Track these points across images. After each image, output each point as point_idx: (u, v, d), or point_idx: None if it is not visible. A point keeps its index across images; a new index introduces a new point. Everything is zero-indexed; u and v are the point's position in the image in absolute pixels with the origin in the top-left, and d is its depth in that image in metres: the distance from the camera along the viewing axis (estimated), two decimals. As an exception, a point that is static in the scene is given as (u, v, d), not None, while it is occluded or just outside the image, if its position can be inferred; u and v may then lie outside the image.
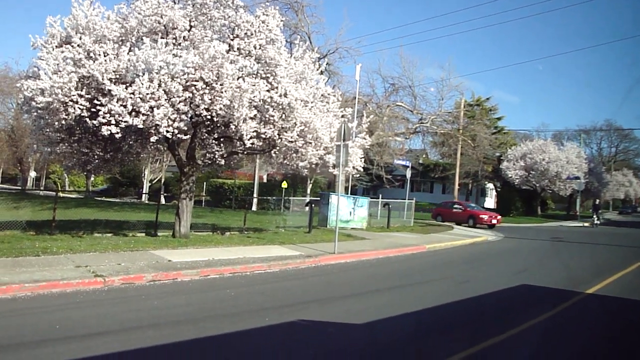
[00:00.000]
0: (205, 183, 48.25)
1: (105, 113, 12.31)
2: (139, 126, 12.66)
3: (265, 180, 54.73)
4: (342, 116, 17.01)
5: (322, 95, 16.40)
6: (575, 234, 31.17)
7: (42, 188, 62.47)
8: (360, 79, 29.99)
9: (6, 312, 7.69)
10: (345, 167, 16.20)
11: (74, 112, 12.56)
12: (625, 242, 27.45)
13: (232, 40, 14.51)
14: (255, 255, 13.74)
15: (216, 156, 15.73)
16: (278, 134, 14.89)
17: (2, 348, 6.05)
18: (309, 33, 33.14)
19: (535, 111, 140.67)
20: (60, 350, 6.09)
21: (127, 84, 12.57)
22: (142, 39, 13.19)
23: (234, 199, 44.10)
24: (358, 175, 25.60)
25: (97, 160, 15.39)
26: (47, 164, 60.78)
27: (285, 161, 16.59)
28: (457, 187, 45.86)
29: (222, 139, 15.97)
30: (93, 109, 12.56)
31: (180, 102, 12.84)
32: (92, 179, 63.74)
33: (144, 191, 54.97)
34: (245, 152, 17.03)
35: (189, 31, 13.96)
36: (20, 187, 59.70)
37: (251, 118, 13.82)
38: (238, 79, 13.27)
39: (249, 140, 14.04)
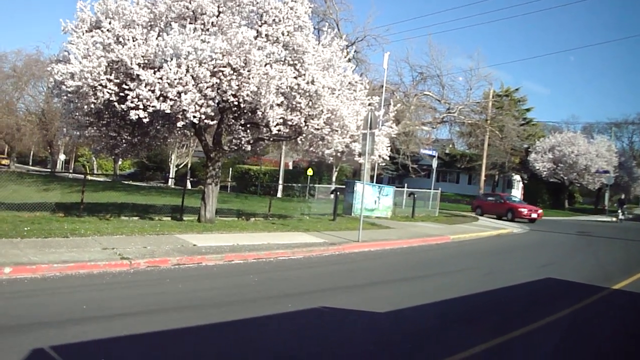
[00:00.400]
0: (231, 169, 48.56)
1: (134, 98, 12.42)
2: (166, 111, 12.75)
3: (290, 167, 54.91)
4: (369, 104, 16.92)
5: (349, 83, 16.33)
6: (601, 229, 30.65)
7: (71, 171, 63.50)
8: (387, 67, 29.82)
9: (36, 291, 7.86)
10: (371, 155, 16.15)
11: (102, 97, 12.69)
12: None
13: (260, 26, 14.49)
14: (279, 242, 13.80)
15: (242, 142, 15.78)
16: (304, 121, 14.88)
17: (33, 326, 6.19)
18: (337, 20, 33.06)
19: (565, 103, 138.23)
20: (87, 330, 6.20)
21: (155, 69, 12.66)
22: (170, 25, 13.24)
23: (259, 185, 44.34)
24: (384, 164, 25.56)
25: (124, 145, 15.56)
26: (76, 147, 61.68)
27: (311, 148, 16.58)
28: (483, 178, 45.44)
29: (248, 125, 16.01)
30: (121, 94, 12.68)
31: (207, 87, 12.88)
32: (120, 162, 64.60)
33: (170, 176, 55.53)
34: (271, 139, 17.05)
35: (217, 17, 13.97)
36: (49, 170, 60.74)
37: (278, 105, 13.82)
38: (265, 65, 13.26)
39: (275, 126, 14.04)
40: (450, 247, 18.06)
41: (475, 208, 36.62)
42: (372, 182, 30.98)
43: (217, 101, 13.67)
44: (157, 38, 12.85)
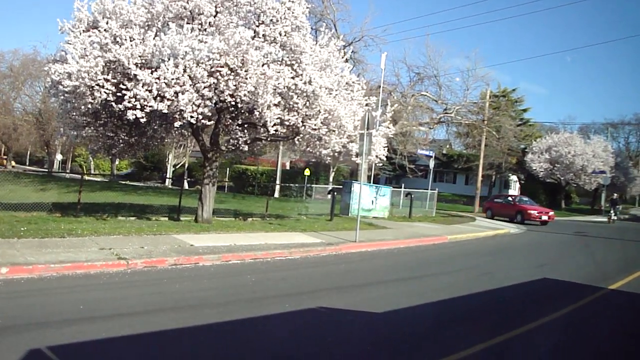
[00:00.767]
0: (228, 169, 48.56)
1: (131, 97, 12.41)
2: (163, 111, 12.75)
3: (288, 168, 54.91)
4: (366, 105, 16.94)
5: (346, 83, 16.34)
6: (597, 229, 30.65)
7: (68, 171, 63.54)
8: (385, 67, 29.90)
9: (32, 291, 7.85)
10: (368, 155, 16.17)
11: (100, 96, 12.68)
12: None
13: (257, 26, 14.50)
14: (276, 242, 13.80)
15: (240, 142, 15.78)
16: (302, 121, 14.89)
17: (29, 326, 6.18)
18: (334, 21, 33.06)
19: (562, 103, 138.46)
20: (84, 330, 6.20)
21: (153, 69, 12.65)
22: (168, 24, 13.24)
23: (256, 185, 44.33)
24: (381, 164, 25.59)
25: (122, 144, 15.55)
26: (73, 147, 61.76)
27: (308, 149, 16.59)
28: (480, 178, 45.44)
29: (246, 125, 16.01)
30: (119, 94, 12.67)
31: (204, 87, 12.89)
32: (117, 162, 64.62)
33: (167, 176, 55.50)
34: (268, 139, 17.06)
35: (214, 17, 13.97)
36: (46, 170, 60.65)
37: (275, 105, 13.83)
38: (263, 65, 13.27)
39: (272, 127, 14.05)
40: (447, 247, 18.08)
41: (486, 210, 35.58)
42: (370, 182, 31.00)
43: (214, 101, 13.67)
44: (154, 38, 12.84)
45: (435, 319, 8.22)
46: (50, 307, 7.18)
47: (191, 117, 12.96)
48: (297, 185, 41.09)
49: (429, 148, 43.07)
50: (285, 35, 14.54)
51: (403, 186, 31.76)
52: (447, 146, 64.01)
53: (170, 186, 47.66)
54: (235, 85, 13.09)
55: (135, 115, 12.51)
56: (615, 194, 42.56)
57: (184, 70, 12.51)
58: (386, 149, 18.79)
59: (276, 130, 14.50)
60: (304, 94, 14.27)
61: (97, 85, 12.55)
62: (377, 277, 11.58)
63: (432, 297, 9.49)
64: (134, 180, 56.17)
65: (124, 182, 48.45)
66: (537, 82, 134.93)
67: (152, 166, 62.92)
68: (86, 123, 14.42)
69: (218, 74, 12.94)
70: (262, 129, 15.40)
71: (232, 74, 13.06)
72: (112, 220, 14.81)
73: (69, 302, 7.48)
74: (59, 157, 66.30)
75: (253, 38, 13.56)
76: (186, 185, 42.58)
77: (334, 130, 15.70)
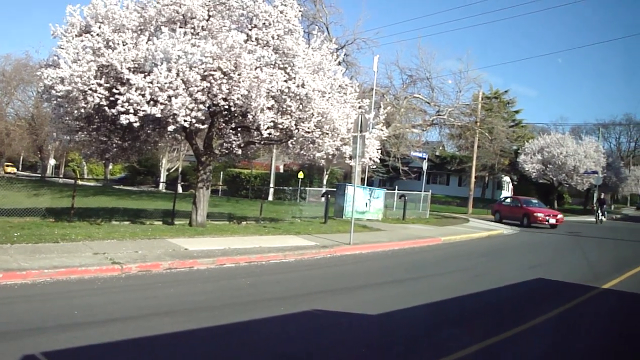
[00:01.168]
0: (222, 172, 48.49)
1: (124, 102, 12.38)
2: (157, 115, 12.73)
3: (281, 171, 54.88)
4: (360, 107, 16.98)
5: (339, 86, 16.37)
6: (590, 229, 30.74)
7: (61, 176, 63.18)
8: (377, 70, 29.92)
9: (26, 297, 7.82)
10: (361, 158, 16.18)
11: (93, 101, 12.66)
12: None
13: (250, 30, 14.52)
14: (271, 245, 13.80)
15: (233, 146, 15.78)
16: (295, 125, 14.90)
17: (23, 332, 6.17)
18: (327, 24, 33.11)
19: (554, 104, 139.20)
20: (78, 335, 6.18)
21: (146, 73, 12.64)
22: (160, 29, 13.24)
23: (250, 188, 44.31)
24: (374, 167, 25.56)
25: (115, 149, 15.51)
26: (66, 152, 61.38)
27: (302, 151, 16.59)
28: (473, 179, 45.53)
29: (239, 129, 16.02)
30: (112, 98, 12.65)
31: (198, 91, 12.88)
32: (111, 167, 64.35)
33: (161, 180, 55.32)
34: (262, 142, 17.06)
35: (207, 21, 13.98)
36: (39, 175, 60.40)
37: (268, 108, 13.84)
38: (256, 69, 13.28)
39: (266, 130, 14.06)
40: (441, 248, 18.12)
41: (494, 212, 34.55)
42: (363, 184, 31.04)
43: (207, 105, 13.66)
44: (147, 42, 12.83)
45: (430, 321, 8.25)
46: (44, 312, 7.16)
47: (184, 121, 12.95)
48: (291, 188, 41.01)
49: (422, 150, 43.17)
50: (278, 38, 14.56)
51: (397, 188, 31.76)
52: (440, 148, 64.10)
53: (164, 190, 47.50)
54: (228, 89, 13.10)
55: (129, 119, 12.49)
56: (603, 194, 42.41)
57: (177, 74, 12.51)
58: (379, 151, 18.79)
59: (270, 134, 14.51)
60: (297, 97, 14.29)
61: (90, 89, 12.52)
62: (372, 279, 11.60)
63: (427, 299, 9.51)
64: (127, 184, 56.01)
65: (117, 187, 48.36)
66: (528, 83, 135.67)
67: (145, 170, 62.68)
68: (79, 128, 14.38)
69: (211, 77, 12.94)
70: (255, 133, 15.41)
71: (225, 77, 13.07)
72: (106, 225, 14.79)
73: (63, 307, 7.46)
74: (52, 162, 65.99)
75: (246, 42, 13.58)
76: (180, 189, 42.29)
77: (327, 133, 15.72)
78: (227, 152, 16.23)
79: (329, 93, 15.45)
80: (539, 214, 29.99)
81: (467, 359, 6.33)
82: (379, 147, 18.80)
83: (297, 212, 25.13)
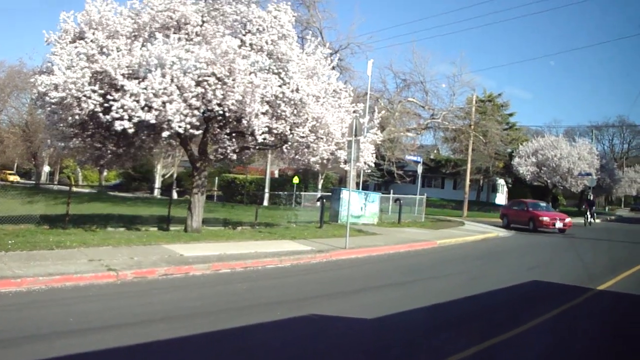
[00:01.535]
0: (217, 178, 48.37)
1: (118, 108, 12.35)
2: (151, 121, 12.70)
3: (276, 176, 54.77)
4: (354, 112, 17.00)
5: (333, 90, 16.40)
6: (583, 231, 30.82)
7: (55, 182, 62.90)
8: (371, 74, 29.89)
9: (21, 304, 7.78)
10: (356, 162, 16.21)
11: (87, 107, 12.63)
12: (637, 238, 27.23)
13: (244, 35, 14.52)
14: (266, 250, 13.79)
15: (228, 151, 15.77)
16: (290, 129, 14.90)
17: (18, 340, 6.14)
18: (320, 28, 33.14)
19: (547, 107, 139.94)
20: (74, 343, 6.16)
21: (140, 79, 12.61)
22: (154, 35, 13.22)
23: (245, 194, 44.20)
24: (369, 171, 25.65)
25: (110, 155, 15.48)
26: (61, 158, 61.13)
27: (296, 156, 16.59)
28: (468, 183, 45.61)
29: (234, 134, 16.01)
30: (106, 104, 12.61)
31: (192, 97, 12.86)
32: (105, 173, 64.17)
33: (156, 186, 55.17)
34: (257, 147, 17.06)
35: (201, 26, 13.98)
36: (34, 182, 60.16)
37: (263, 113, 13.83)
38: (250, 74, 13.28)
39: (260, 135, 14.05)
40: (437, 252, 18.14)
41: (502, 217, 33.25)
42: (358, 189, 31.04)
43: (202, 110, 13.64)
44: (141, 48, 12.81)
45: (427, 324, 8.25)
46: (40, 320, 7.13)
47: (179, 126, 12.92)
48: (286, 193, 41.06)
49: (416, 154, 43.22)
50: (271, 43, 14.57)
51: (392, 192, 31.83)
52: (435, 151, 64.17)
53: (159, 196, 47.42)
54: (222, 95, 13.10)
55: (123, 125, 12.44)
56: (591, 195, 42.23)
57: (171, 80, 12.49)
58: (374, 155, 18.81)
59: (264, 139, 14.50)
60: (292, 102, 14.30)
61: (84, 96, 12.49)
62: (368, 283, 11.59)
63: (424, 302, 9.52)
64: (122, 191, 55.70)
65: (112, 193, 48.14)
66: (522, 86, 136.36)
67: (140, 177, 62.43)
68: (73, 134, 14.34)
69: (205, 83, 12.93)
70: (250, 138, 15.40)
71: (220, 83, 13.06)
72: (101, 232, 14.74)
73: (59, 314, 7.43)
74: (46, 168, 65.81)
75: (240, 47, 13.58)
76: (175, 195, 42.33)
77: (322, 138, 15.72)
78: (222, 157, 16.22)
79: (324, 98, 15.48)
80: (545, 218, 28.65)
81: (464, 362, 6.34)
82: (374, 151, 18.82)
83: (292, 217, 25.13)
